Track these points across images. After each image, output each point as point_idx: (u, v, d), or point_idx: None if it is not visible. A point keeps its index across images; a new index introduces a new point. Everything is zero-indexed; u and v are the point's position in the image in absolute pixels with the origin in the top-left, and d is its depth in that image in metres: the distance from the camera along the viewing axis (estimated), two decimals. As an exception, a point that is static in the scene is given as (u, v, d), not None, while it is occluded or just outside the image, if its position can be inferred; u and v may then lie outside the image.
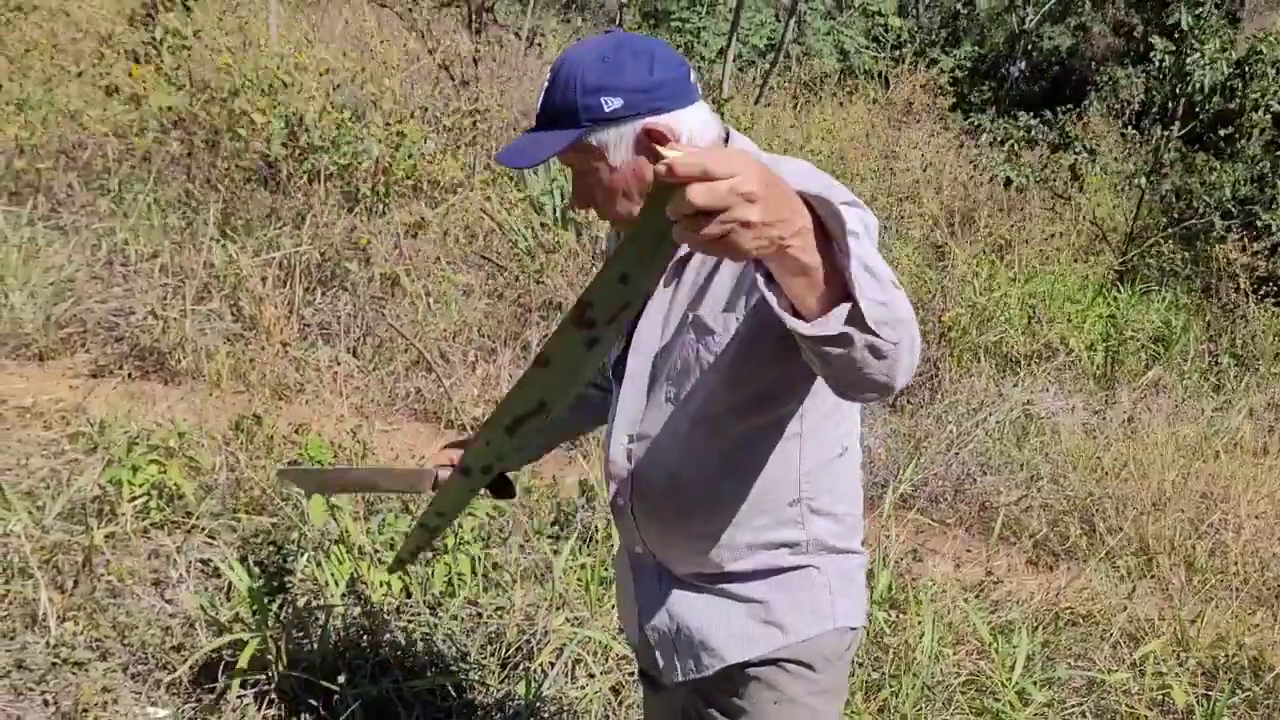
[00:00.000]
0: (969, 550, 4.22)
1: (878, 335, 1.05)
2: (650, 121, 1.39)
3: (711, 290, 1.44)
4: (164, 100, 6.03)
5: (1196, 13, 8.60)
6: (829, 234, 1.03)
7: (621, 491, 1.58)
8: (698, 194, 0.91)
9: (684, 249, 1.38)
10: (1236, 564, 4.12)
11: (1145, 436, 5.06)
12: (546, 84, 1.41)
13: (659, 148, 1.00)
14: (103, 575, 2.94)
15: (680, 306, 1.48)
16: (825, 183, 1.36)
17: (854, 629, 1.61)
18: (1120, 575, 3.88)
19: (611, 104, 1.37)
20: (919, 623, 3.02)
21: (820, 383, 1.41)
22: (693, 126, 1.42)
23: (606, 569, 3.15)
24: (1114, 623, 3.43)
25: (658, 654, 1.65)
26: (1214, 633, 3.52)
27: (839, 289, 1.04)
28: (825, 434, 1.50)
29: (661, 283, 1.50)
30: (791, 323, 1.06)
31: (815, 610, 1.56)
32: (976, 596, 3.55)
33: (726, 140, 1.49)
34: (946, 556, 4.01)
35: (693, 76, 1.44)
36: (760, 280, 1.07)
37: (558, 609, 2.97)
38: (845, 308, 1.04)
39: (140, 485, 3.24)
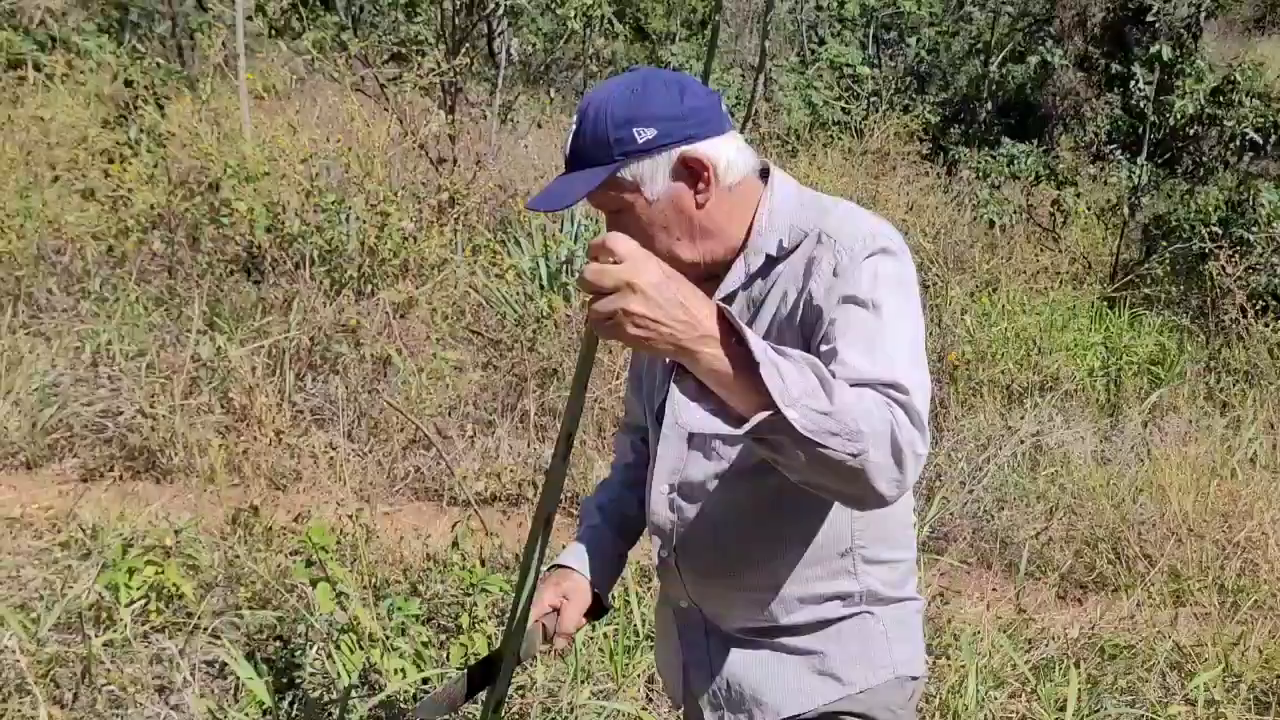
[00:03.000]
0: (995, 588, 4.11)
1: (821, 445, 1.05)
2: (686, 150, 1.33)
3: None
4: (146, 199, 5.99)
5: (1175, 47, 8.77)
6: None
7: (665, 544, 1.49)
8: (589, 272, 1.05)
9: (720, 295, 1.36)
10: (1267, 581, 4.01)
11: (1159, 460, 4.97)
12: (574, 127, 1.35)
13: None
14: (103, 686, 2.80)
15: None
16: (870, 228, 1.33)
17: (915, 678, 1.51)
18: (1155, 603, 3.76)
19: (645, 134, 1.31)
20: (960, 668, 2.90)
21: None
22: (728, 155, 1.37)
23: (629, 637, 3.03)
24: (1157, 653, 3.30)
25: (707, 713, 1.55)
26: (1258, 655, 3.40)
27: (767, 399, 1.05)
28: None
29: None
30: (710, 425, 1.10)
31: (872, 660, 1.47)
32: (1010, 636, 3.43)
33: (766, 175, 1.44)
34: (974, 596, 3.89)
35: (723, 107, 1.39)
36: (672, 381, 1.13)
37: (582, 683, 2.84)
38: (764, 415, 1.05)
39: (137, 588, 3.11)
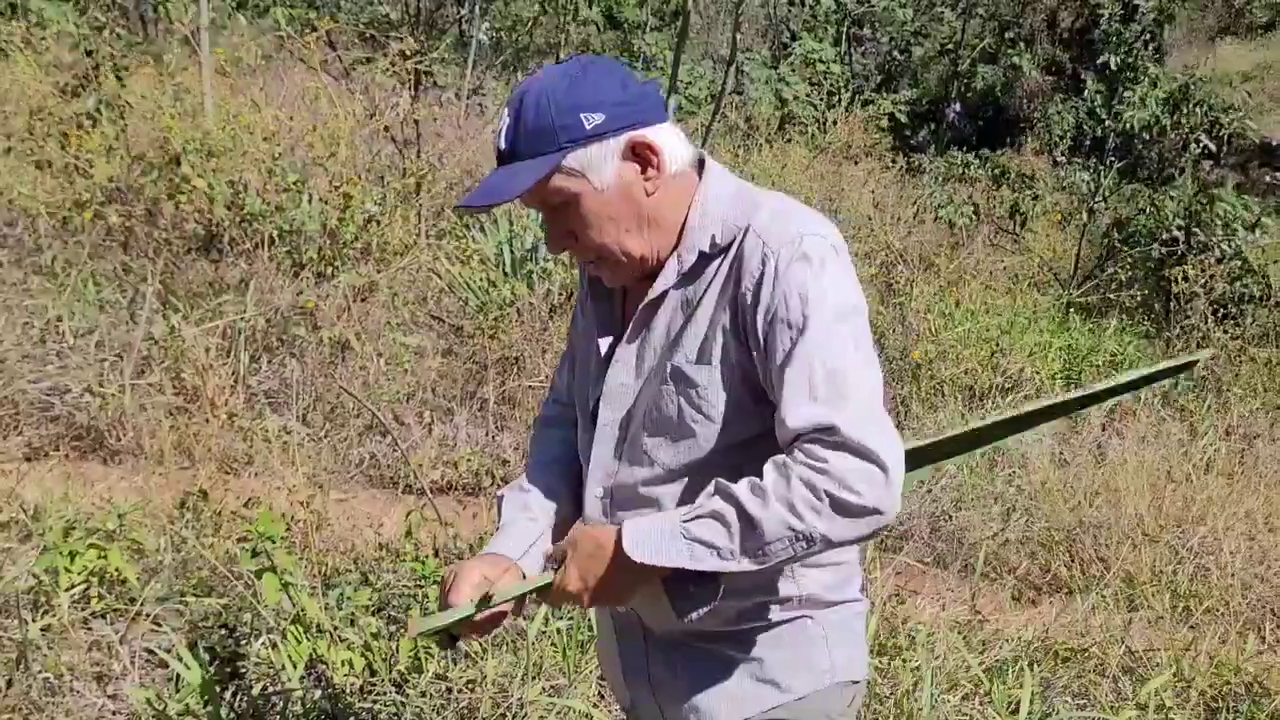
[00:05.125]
0: (951, 589, 4.11)
1: (760, 564, 1.21)
2: (634, 135, 1.30)
3: (684, 342, 1.34)
4: (104, 171, 5.85)
5: (1126, 57, 8.88)
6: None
7: None
8: (555, 600, 1.33)
9: (653, 294, 1.36)
10: (1218, 587, 4.05)
11: (1116, 464, 5.00)
12: (509, 117, 1.30)
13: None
14: (39, 672, 2.72)
15: (655, 356, 1.38)
16: (797, 229, 1.29)
17: (856, 683, 1.48)
18: (1109, 607, 3.78)
19: (592, 119, 1.27)
20: (915, 669, 2.89)
21: None
22: (672, 144, 1.34)
23: (583, 632, 2.99)
24: (1110, 657, 3.31)
25: (644, 717, 1.53)
26: (1209, 662, 3.42)
27: None
28: None
29: (626, 337, 1.41)
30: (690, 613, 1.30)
31: (812, 665, 1.43)
32: (964, 637, 3.43)
33: (702, 166, 1.40)
34: (929, 597, 3.89)
35: (660, 95, 1.35)
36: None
37: (533, 678, 2.80)
38: (719, 588, 1.28)
39: (78, 572, 3.03)
